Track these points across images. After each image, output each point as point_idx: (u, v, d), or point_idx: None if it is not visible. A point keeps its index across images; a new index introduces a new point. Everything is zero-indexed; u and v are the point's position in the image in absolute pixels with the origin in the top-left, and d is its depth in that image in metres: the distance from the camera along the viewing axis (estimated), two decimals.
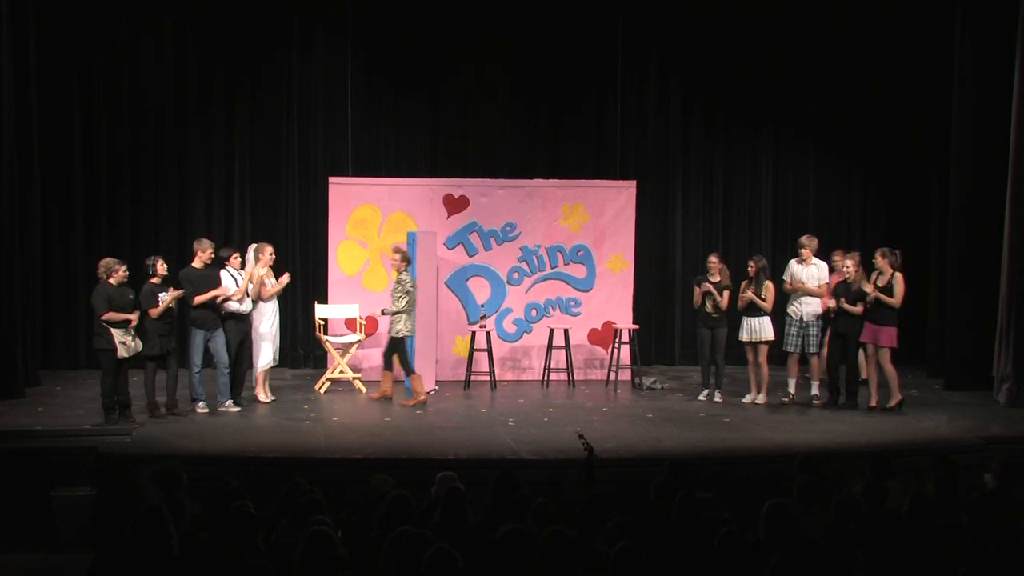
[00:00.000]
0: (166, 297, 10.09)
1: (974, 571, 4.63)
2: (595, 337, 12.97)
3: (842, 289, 10.94)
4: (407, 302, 11.10)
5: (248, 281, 10.77)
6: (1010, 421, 10.54)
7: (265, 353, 11.14)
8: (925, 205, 13.82)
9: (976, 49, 11.99)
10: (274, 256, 11.20)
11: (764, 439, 9.80)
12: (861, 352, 11.13)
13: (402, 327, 11.10)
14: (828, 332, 11.26)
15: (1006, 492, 6.29)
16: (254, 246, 11.24)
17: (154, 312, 10.02)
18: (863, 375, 11.14)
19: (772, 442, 9.67)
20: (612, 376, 12.44)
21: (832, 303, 10.94)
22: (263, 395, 11.18)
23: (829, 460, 8.14)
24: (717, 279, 11.39)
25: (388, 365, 11.36)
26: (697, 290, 11.44)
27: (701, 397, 11.60)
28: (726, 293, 11.32)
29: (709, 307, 11.36)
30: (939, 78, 13.05)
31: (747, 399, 11.36)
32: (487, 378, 12.34)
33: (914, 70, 13.86)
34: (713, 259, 11.53)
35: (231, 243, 12.10)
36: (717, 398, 11.45)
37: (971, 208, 12.15)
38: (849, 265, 10.92)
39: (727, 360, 11.82)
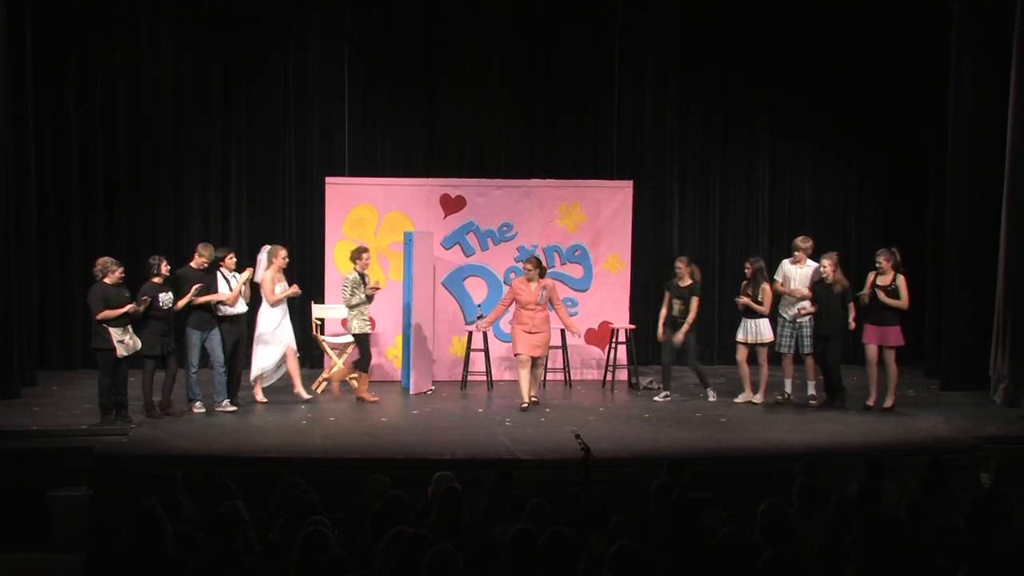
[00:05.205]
0: (166, 297, 10.12)
1: (972, 572, 4.63)
2: (592, 337, 12.96)
3: (821, 289, 10.90)
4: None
5: (242, 284, 10.75)
6: (1006, 421, 10.56)
7: (262, 357, 11.09)
8: (922, 205, 13.83)
9: (972, 47, 11.99)
10: (287, 260, 11.17)
11: (760, 439, 9.80)
12: (870, 353, 10.95)
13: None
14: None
15: (1002, 492, 6.29)
16: (268, 248, 11.20)
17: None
18: (873, 376, 10.92)
19: (768, 442, 9.68)
20: (609, 376, 12.45)
21: (812, 308, 10.89)
22: (260, 395, 11.16)
23: (824, 461, 8.15)
24: (688, 283, 11.37)
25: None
26: (668, 295, 11.44)
27: (658, 398, 11.53)
28: (694, 300, 11.28)
29: (676, 311, 11.35)
30: (936, 77, 13.08)
31: (740, 399, 11.36)
32: (484, 378, 12.34)
33: (911, 70, 13.86)
34: (680, 263, 11.51)
35: (227, 243, 12.10)
36: (712, 397, 11.44)
37: (968, 208, 12.17)
38: (826, 265, 10.88)
39: (723, 360, 11.81)
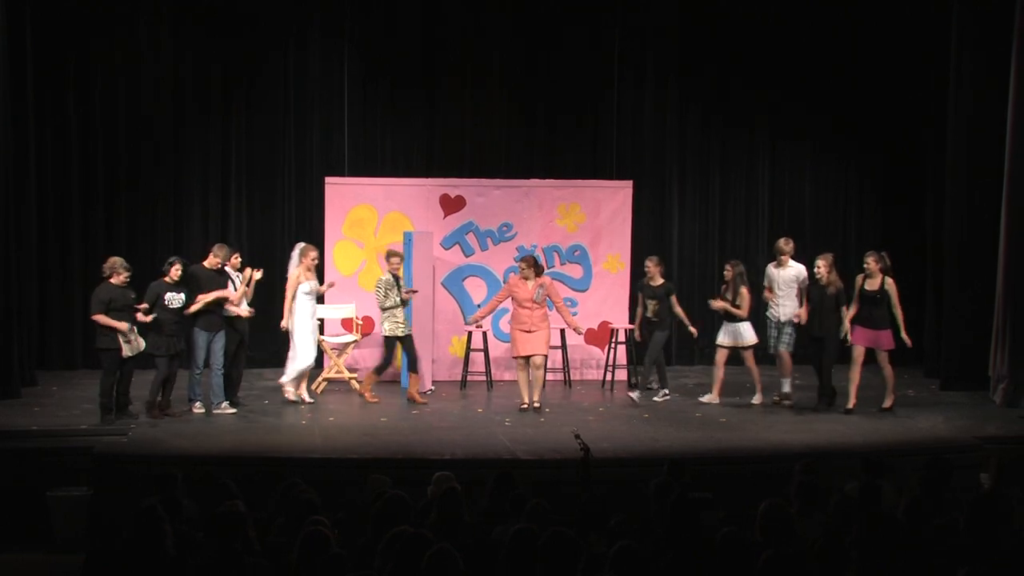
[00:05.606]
0: (174, 297, 10.13)
1: (972, 572, 4.63)
2: (591, 337, 12.94)
3: (815, 291, 10.87)
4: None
5: (246, 285, 10.76)
6: (1006, 421, 10.56)
7: (304, 352, 11.00)
8: (922, 205, 13.83)
9: (972, 47, 11.99)
10: (316, 261, 11.18)
11: (760, 439, 9.81)
12: (857, 354, 10.95)
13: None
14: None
15: (1002, 492, 6.30)
16: (300, 245, 11.23)
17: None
18: (854, 378, 10.89)
19: (768, 442, 9.69)
20: (608, 376, 12.45)
21: (804, 313, 10.88)
22: (307, 395, 11.13)
23: (824, 461, 8.15)
24: (659, 282, 11.42)
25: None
26: (641, 296, 11.56)
27: (656, 399, 11.54)
28: (674, 298, 11.46)
29: (650, 312, 11.40)
30: (936, 77, 13.08)
31: (704, 399, 11.37)
32: (483, 378, 12.34)
33: (911, 70, 13.86)
34: (649, 264, 11.53)
35: (228, 243, 12.09)
36: (635, 396, 11.43)
37: (968, 208, 12.17)
38: (821, 266, 10.83)
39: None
